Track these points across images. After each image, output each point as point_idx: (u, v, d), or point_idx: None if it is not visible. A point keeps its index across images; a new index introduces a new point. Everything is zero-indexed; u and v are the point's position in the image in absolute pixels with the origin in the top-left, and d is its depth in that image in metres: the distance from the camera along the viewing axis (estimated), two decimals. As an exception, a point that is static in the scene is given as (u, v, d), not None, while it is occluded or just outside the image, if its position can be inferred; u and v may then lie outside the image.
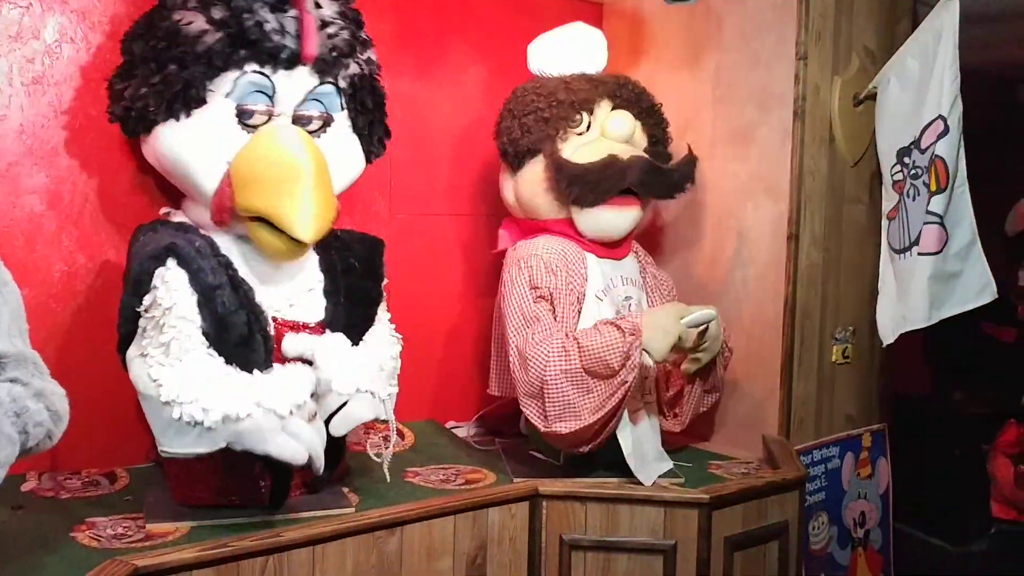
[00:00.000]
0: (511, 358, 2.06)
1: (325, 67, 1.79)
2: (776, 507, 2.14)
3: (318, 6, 1.78)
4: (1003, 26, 3.09)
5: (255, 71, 1.72)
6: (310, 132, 1.80)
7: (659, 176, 2.16)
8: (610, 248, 2.22)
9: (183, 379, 1.59)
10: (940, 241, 2.21)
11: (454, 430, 2.52)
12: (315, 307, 1.85)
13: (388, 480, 1.92)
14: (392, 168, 2.43)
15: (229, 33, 1.68)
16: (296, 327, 1.81)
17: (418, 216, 2.51)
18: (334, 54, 1.79)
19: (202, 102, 1.70)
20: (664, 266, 2.50)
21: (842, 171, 2.43)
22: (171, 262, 1.64)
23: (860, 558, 2.61)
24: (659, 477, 2.09)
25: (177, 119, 1.70)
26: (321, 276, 1.89)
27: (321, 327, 1.84)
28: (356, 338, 1.87)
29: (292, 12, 1.73)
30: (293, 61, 1.75)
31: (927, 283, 2.22)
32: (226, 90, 1.71)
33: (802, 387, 2.38)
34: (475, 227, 2.62)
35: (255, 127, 1.74)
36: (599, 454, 2.05)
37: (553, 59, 2.29)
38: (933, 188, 2.21)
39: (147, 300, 1.64)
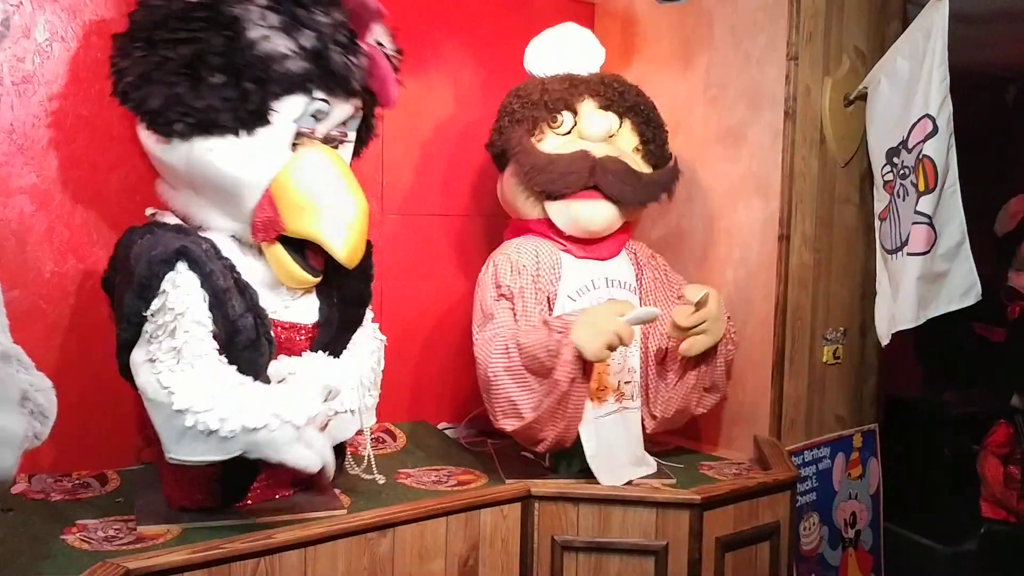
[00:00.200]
0: None
1: (370, 102, 1.87)
2: (767, 508, 2.15)
3: (379, 43, 1.82)
4: (993, 26, 3.10)
5: (321, 98, 1.74)
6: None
7: (630, 180, 2.13)
8: (591, 248, 2.21)
9: (197, 387, 1.59)
10: (928, 241, 2.22)
11: (446, 431, 2.52)
12: (310, 309, 1.86)
13: (375, 480, 1.93)
14: (384, 168, 2.43)
15: (316, 63, 1.69)
16: (294, 328, 1.82)
17: (410, 216, 2.51)
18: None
19: (268, 122, 1.69)
20: (655, 266, 2.50)
21: (833, 171, 2.44)
22: (182, 265, 1.63)
23: (851, 558, 2.62)
24: (647, 478, 2.10)
25: (237, 135, 1.68)
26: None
27: (316, 328, 1.85)
28: (347, 339, 1.89)
29: (362, 50, 1.78)
30: (357, 95, 1.80)
31: (915, 283, 2.23)
32: (295, 114, 1.72)
33: (793, 388, 2.39)
34: (467, 227, 2.61)
35: (297, 145, 1.75)
36: (581, 455, 2.06)
37: (544, 60, 2.30)
38: (922, 188, 2.21)
39: (155, 304, 1.61)
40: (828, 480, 2.52)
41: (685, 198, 2.54)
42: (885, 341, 2.39)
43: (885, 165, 2.39)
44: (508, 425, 2.01)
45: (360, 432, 1.95)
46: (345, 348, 1.90)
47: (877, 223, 2.45)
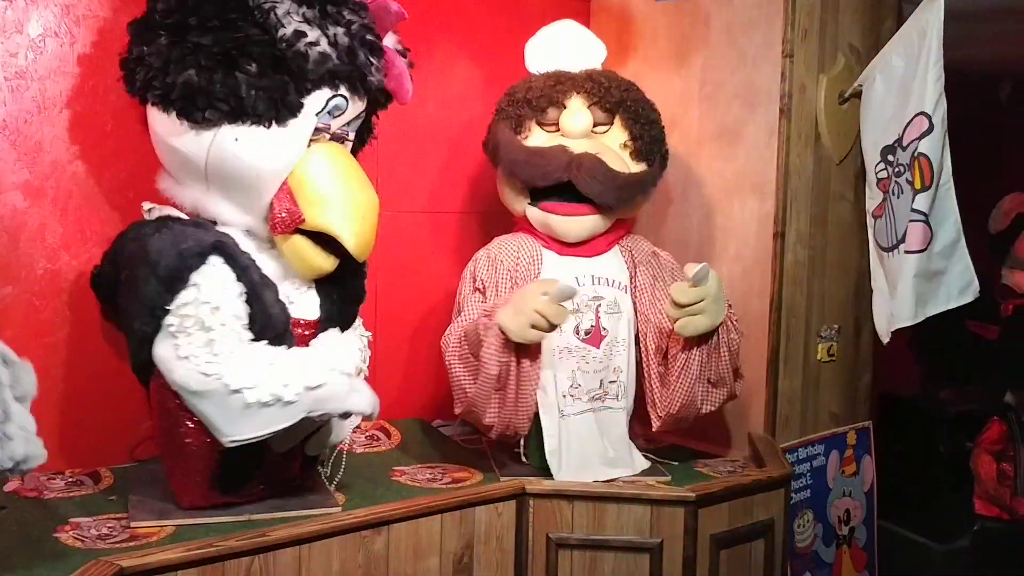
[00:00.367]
0: None
1: (380, 102, 1.91)
2: (762, 505, 2.15)
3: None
4: (987, 24, 3.10)
5: (343, 95, 1.77)
6: None
7: (606, 179, 2.10)
8: (575, 246, 2.20)
9: (245, 364, 1.63)
10: (925, 239, 2.22)
11: (441, 429, 2.52)
12: (311, 305, 1.86)
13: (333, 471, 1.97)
14: (379, 165, 2.42)
15: (345, 60, 1.72)
16: (297, 324, 1.83)
17: (406, 213, 2.50)
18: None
19: (298, 115, 1.72)
20: (650, 264, 2.50)
21: (828, 169, 2.44)
22: (216, 259, 1.66)
23: (845, 555, 2.63)
24: (637, 476, 2.11)
25: (269, 126, 1.69)
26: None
27: (317, 324, 1.86)
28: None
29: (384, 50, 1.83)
30: (372, 94, 1.84)
31: (913, 281, 2.23)
32: (317, 108, 1.74)
33: (787, 385, 2.39)
34: (462, 225, 2.61)
35: (311, 141, 1.77)
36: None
37: (539, 58, 2.30)
38: (918, 186, 2.22)
39: (184, 296, 1.62)
40: (822, 477, 2.52)
41: (680, 196, 2.55)
42: (886, 339, 2.39)
43: (879, 163, 2.40)
44: (456, 409, 2.06)
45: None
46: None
47: (871, 220, 2.45)
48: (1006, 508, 3.16)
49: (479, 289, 2.15)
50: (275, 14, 1.67)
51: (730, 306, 2.13)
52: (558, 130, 2.17)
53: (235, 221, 1.78)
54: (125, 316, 1.70)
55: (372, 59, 1.78)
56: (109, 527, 1.70)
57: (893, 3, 2.59)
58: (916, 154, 2.21)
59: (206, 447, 1.72)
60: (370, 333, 2.05)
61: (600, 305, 2.16)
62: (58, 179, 1.95)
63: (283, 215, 1.73)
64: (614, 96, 2.19)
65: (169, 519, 1.73)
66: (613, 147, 2.17)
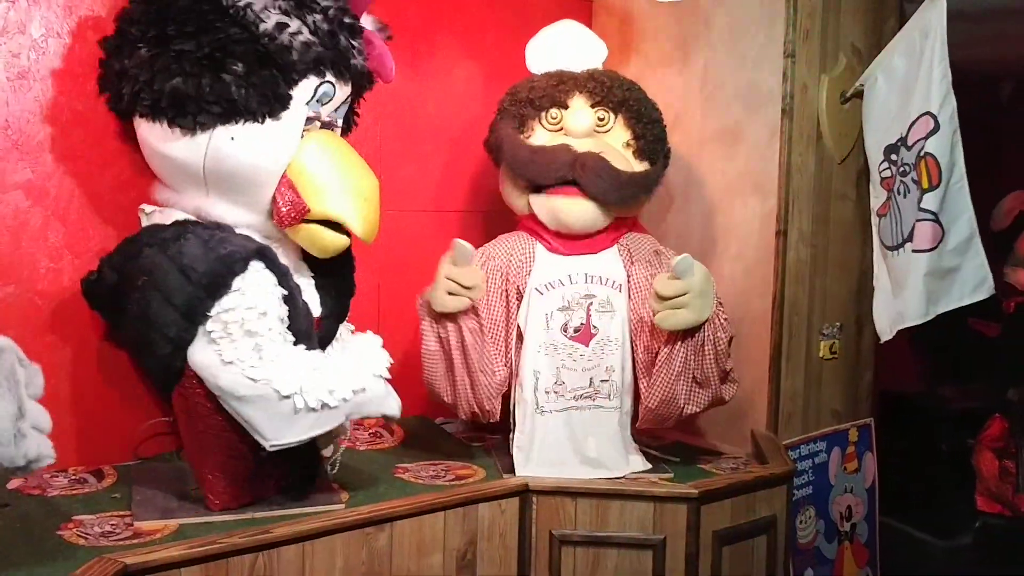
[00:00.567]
0: None
1: (364, 85, 1.91)
2: (764, 501, 2.16)
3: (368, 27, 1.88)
4: (988, 23, 3.10)
5: (329, 81, 1.77)
6: None
7: (609, 177, 2.10)
8: (571, 243, 2.19)
9: (293, 371, 1.66)
10: (935, 238, 2.22)
11: (444, 426, 2.52)
12: (312, 302, 1.87)
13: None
14: (381, 164, 2.42)
15: (328, 46, 1.73)
16: None
17: (408, 212, 2.51)
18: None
19: (289, 107, 1.72)
20: (652, 262, 2.50)
21: (829, 168, 2.45)
22: (258, 264, 1.68)
23: (846, 551, 2.63)
24: (644, 473, 2.11)
25: (263, 121, 1.70)
26: (310, 271, 1.92)
27: (320, 321, 1.87)
28: (337, 330, 1.95)
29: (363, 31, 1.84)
30: (357, 77, 1.84)
31: (923, 280, 2.23)
32: (306, 97, 1.75)
33: (790, 382, 2.39)
34: (465, 223, 2.61)
35: (304, 131, 1.77)
36: None
37: (540, 58, 2.30)
38: (925, 186, 2.21)
39: (228, 302, 1.63)
40: (824, 474, 2.53)
41: (683, 195, 2.55)
42: (886, 337, 2.39)
43: (883, 162, 2.40)
44: (432, 396, 2.17)
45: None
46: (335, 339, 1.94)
47: (875, 219, 2.45)
48: (1008, 505, 3.17)
49: None
50: (252, 10, 1.67)
51: (720, 304, 2.08)
52: (561, 129, 2.18)
53: (239, 221, 1.78)
54: (147, 324, 1.66)
55: (353, 42, 1.79)
56: (112, 524, 1.70)
57: (895, 3, 2.59)
58: (922, 154, 2.21)
59: (243, 449, 1.73)
60: (354, 327, 2.05)
61: (592, 303, 2.15)
62: (61, 178, 1.95)
63: (287, 208, 1.73)
64: (617, 96, 2.20)
65: (172, 517, 1.73)
66: (616, 146, 2.17)
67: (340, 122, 1.90)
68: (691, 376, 2.04)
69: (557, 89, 2.19)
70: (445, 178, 2.59)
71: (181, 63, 1.66)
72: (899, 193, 2.32)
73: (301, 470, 1.87)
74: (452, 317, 2.03)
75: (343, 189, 1.76)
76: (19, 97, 1.89)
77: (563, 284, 2.16)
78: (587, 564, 2.01)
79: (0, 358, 1.37)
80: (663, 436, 2.39)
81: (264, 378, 1.63)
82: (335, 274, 1.93)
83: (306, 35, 1.70)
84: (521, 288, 2.17)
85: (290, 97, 1.72)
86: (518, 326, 2.16)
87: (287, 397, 1.64)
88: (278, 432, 1.67)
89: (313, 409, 1.66)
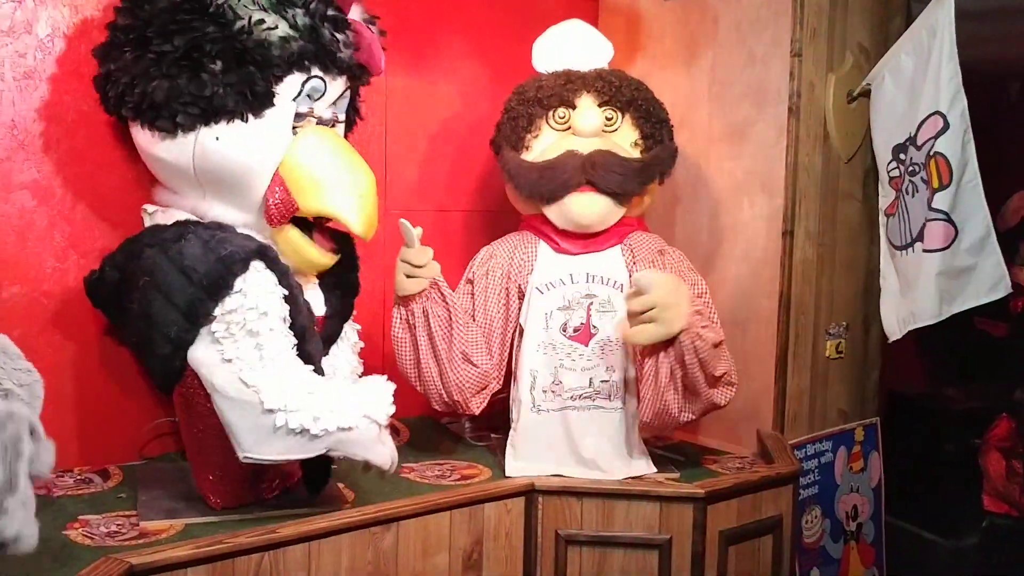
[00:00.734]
0: None
1: (359, 79, 1.87)
2: (770, 501, 2.15)
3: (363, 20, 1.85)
4: (995, 23, 3.09)
5: (317, 76, 1.75)
6: None
7: (622, 168, 2.09)
8: (575, 242, 2.18)
9: (285, 385, 1.62)
10: (947, 237, 2.21)
11: (449, 426, 2.52)
12: (317, 301, 1.87)
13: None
14: (387, 164, 2.42)
15: (310, 40, 1.70)
16: None
17: (413, 212, 2.50)
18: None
19: (273, 104, 1.70)
20: (659, 262, 2.49)
21: (836, 167, 2.44)
22: (259, 264, 1.66)
23: (852, 551, 2.63)
24: (651, 474, 2.10)
25: (245, 119, 1.68)
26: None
27: (324, 320, 1.87)
28: (341, 329, 1.95)
29: (349, 23, 1.79)
30: (347, 70, 1.80)
31: (935, 279, 2.22)
32: (292, 93, 1.72)
33: (796, 382, 2.39)
34: (470, 223, 2.61)
35: (297, 128, 1.75)
36: None
37: (547, 57, 2.29)
38: (935, 185, 2.20)
39: (231, 303, 1.62)
40: (830, 473, 2.52)
41: (689, 195, 2.55)
42: (895, 337, 2.39)
43: (891, 161, 2.39)
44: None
45: None
46: (340, 338, 1.94)
47: (883, 219, 2.45)
48: (1015, 505, 3.16)
49: (469, 280, 2.20)
50: (231, 8, 1.66)
51: (700, 312, 2.01)
52: (568, 129, 2.17)
53: (235, 221, 1.77)
54: (149, 323, 1.66)
55: (338, 35, 1.76)
56: (118, 524, 1.71)
57: (901, 2, 2.59)
58: (932, 153, 2.20)
59: None
60: (359, 326, 2.05)
61: (592, 303, 2.14)
62: (66, 178, 1.96)
63: (275, 204, 1.72)
64: (625, 95, 2.19)
65: (178, 517, 1.74)
66: (623, 146, 2.17)
67: (342, 117, 1.88)
68: (679, 386, 1.99)
69: (565, 88, 2.18)
70: (451, 178, 2.58)
71: (160, 65, 1.66)
72: (908, 193, 2.32)
73: (307, 473, 1.86)
74: (418, 304, 2.02)
75: (339, 185, 1.73)
76: (25, 97, 1.90)
77: (564, 283, 2.16)
78: (593, 564, 2.01)
79: (6, 425, 1.29)
80: (668, 436, 2.39)
81: (254, 385, 1.60)
82: (339, 273, 1.92)
83: (284, 30, 1.68)
84: (523, 287, 2.17)
85: (273, 94, 1.69)
86: (520, 325, 2.16)
87: (270, 411, 1.60)
88: (255, 445, 1.63)
89: (294, 431, 1.61)
